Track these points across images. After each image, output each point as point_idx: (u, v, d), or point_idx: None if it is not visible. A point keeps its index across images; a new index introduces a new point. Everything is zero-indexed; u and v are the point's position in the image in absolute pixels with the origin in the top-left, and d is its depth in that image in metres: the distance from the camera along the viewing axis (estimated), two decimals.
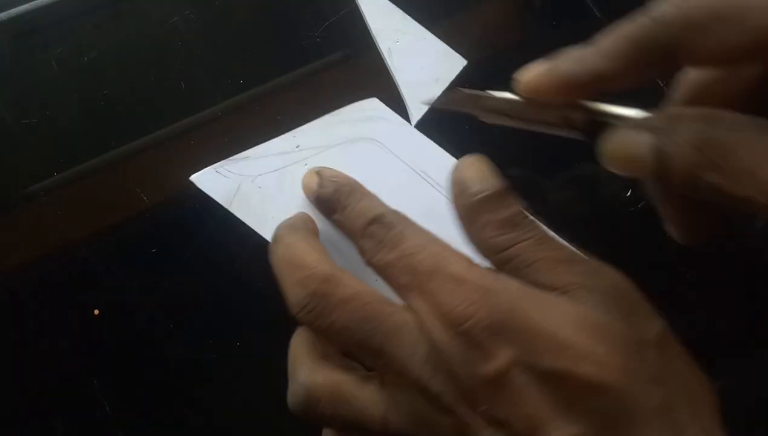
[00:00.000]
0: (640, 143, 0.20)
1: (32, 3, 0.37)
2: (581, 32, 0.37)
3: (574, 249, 0.23)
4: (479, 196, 0.23)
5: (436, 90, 0.35)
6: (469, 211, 0.24)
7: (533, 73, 0.23)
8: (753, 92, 0.22)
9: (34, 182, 0.33)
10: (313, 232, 0.28)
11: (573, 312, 0.21)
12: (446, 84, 0.35)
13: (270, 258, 0.25)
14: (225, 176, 0.31)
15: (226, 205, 0.30)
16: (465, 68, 0.36)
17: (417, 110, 0.34)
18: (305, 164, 0.32)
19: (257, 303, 0.28)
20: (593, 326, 0.21)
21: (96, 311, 0.30)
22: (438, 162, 0.33)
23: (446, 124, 0.33)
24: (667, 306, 0.30)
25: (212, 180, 0.31)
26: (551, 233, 0.24)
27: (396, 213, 0.25)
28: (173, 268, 0.31)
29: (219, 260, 0.30)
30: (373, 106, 0.34)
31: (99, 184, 0.33)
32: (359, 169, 0.32)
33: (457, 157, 0.32)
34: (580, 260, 0.23)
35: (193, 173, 0.32)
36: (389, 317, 0.22)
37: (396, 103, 0.34)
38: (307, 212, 0.29)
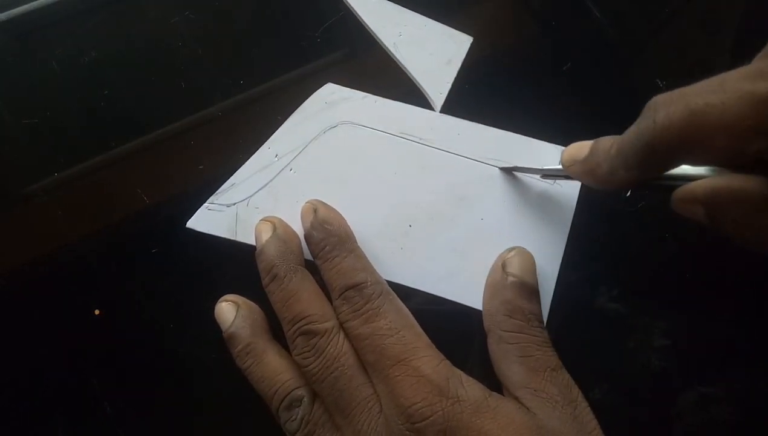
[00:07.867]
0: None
1: (32, 3, 0.37)
2: (581, 32, 0.37)
3: None
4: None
5: (450, 72, 0.35)
6: None
7: (575, 154, 0.25)
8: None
9: (34, 182, 0.33)
10: None
11: (524, 423, 0.23)
12: (458, 65, 0.35)
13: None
14: (219, 211, 0.30)
15: (231, 238, 0.30)
16: (472, 45, 0.36)
17: (438, 98, 0.34)
18: (291, 169, 0.31)
19: (257, 303, 0.28)
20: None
21: (97, 311, 0.30)
22: (411, 118, 0.33)
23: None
24: (668, 306, 0.30)
25: (208, 219, 0.30)
26: None
27: (379, 284, 0.26)
28: (173, 267, 0.31)
29: (219, 260, 0.30)
30: (331, 90, 0.33)
31: (99, 184, 0.33)
32: (342, 152, 0.32)
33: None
34: None
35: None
36: (359, 387, 0.24)
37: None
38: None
